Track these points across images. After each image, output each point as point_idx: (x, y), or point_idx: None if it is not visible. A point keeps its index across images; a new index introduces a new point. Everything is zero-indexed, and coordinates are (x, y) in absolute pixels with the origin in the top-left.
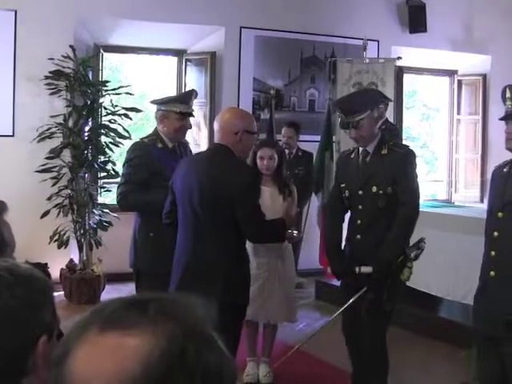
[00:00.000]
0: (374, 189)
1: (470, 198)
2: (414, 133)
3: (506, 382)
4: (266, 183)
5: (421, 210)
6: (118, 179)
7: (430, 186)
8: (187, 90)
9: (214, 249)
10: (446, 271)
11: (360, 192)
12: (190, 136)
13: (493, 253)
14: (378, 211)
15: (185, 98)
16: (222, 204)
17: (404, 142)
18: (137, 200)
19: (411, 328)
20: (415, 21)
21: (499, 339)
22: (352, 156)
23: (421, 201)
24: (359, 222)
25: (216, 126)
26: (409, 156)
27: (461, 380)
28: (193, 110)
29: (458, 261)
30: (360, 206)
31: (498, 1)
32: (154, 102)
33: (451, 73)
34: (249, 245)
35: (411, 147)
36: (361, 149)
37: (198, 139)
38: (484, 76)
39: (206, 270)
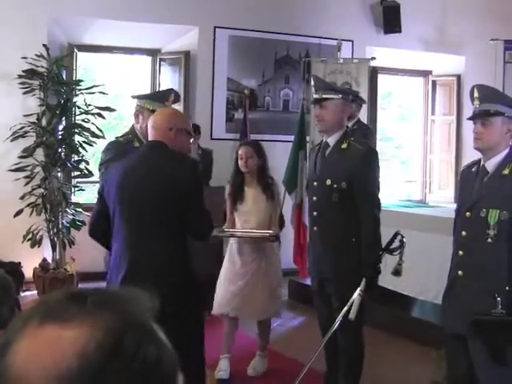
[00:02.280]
0: (329, 182)
1: (444, 199)
2: (389, 133)
3: (473, 381)
4: (249, 184)
5: (394, 209)
6: (92, 178)
7: (405, 187)
8: (166, 88)
9: (164, 249)
10: (418, 271)
11: (315, 183)
12: None
13: (461, 252)
14: (332, 205)
15: (160, 96)
16: (166, 200)
17: (379, 143)
18: None
19: (383, 328)
20: (389, 21)
21: (466, 338)
22: (317, 147)
23: (395, 201)
24: (315, 213)
25: (149, 126)
26: (369, 154)
27: (432, 379)
28: None
29: (431, 260)
30: (314, 198)
31: (471, 2)
32: (133, 96)
33: (425, 73)
34: (234, 243)
35: (373, 146)
36: (323, 141)
37: None
38: (458, 76)
39: (154, 271)
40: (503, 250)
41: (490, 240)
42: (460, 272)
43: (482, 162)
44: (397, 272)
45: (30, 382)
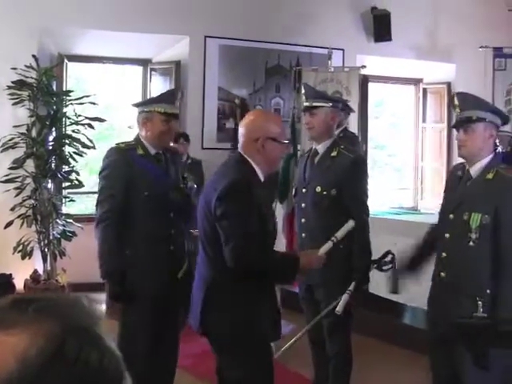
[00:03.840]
0: (318, 189)
1: (436, 205)
2: (382, 141)
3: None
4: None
5: (386, 217)
6: (82, 189)
7: (398, 194)
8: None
9: (215, 276)
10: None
11: (303, 190)
12: None
13: (444, 254)
14: (320, 212)
15: (169, 96)
16: (204, 224)
17: (372, 151)
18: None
19: (373, 334)
20: (380, 30)
21: (449, 341)
22: (306, 154)
23: (386, 208)
24: (303, 220)
25: (239, 131)
26: (358, 161)
27: None
28: (178, 111)
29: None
30: (303, 204)
31: (461, 9)
32: (136, 104)
33: (416, 81)
34: None
35: (360, 153)
36: (313, 148)
37: None
38: (448, 84)
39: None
40: (485, 253)
41: (471, 243)
42: (442, 274)
43: (467, 167)
44: (394, 290)
45: None
